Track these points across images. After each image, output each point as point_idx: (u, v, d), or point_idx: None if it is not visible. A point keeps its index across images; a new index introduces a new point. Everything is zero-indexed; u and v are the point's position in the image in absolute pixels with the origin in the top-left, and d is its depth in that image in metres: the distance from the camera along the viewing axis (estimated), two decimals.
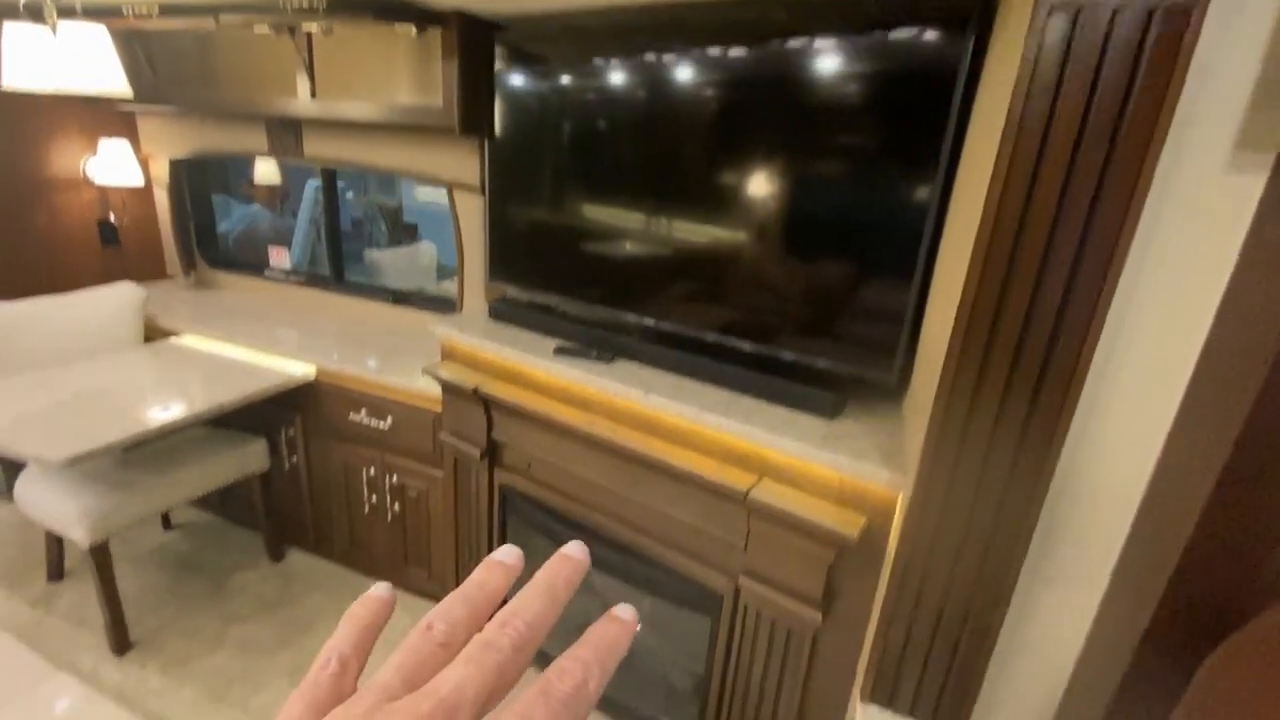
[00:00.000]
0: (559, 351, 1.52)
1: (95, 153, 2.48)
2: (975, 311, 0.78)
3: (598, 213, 1.55)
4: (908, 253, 1.12)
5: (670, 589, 1.44)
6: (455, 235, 2.07)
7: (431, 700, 0.20)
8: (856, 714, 1.02)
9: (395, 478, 2.02)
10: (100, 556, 1.78)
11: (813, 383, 1.26)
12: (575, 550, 0.26)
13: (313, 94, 1.90)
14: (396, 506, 2.05)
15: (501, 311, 1.75)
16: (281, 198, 4.38)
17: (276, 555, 2.31)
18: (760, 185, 1.27)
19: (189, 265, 2.76)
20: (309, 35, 1.88)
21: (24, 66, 1.60)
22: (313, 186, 3.98)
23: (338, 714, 0.21)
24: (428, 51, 1.90)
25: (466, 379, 1.62)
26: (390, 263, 3.60)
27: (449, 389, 1.69)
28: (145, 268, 2.75)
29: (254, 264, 2.74)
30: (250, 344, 2.17)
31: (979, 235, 0.75)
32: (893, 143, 1.12)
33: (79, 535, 1.72)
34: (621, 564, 1.50)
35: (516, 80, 1.64)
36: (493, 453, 1.70)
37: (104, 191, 2.55)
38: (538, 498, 1.64)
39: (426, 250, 3.89)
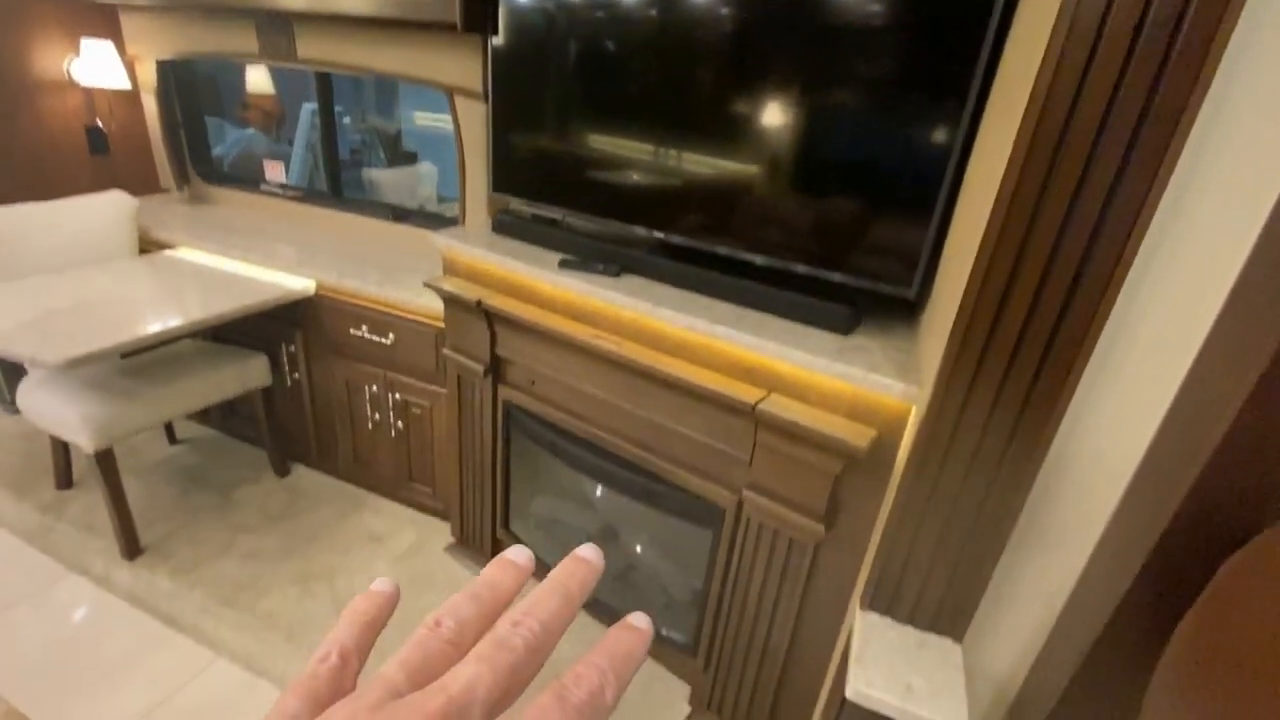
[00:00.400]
0: (564, 264, 1.47)
1: (78, 53, 2.35)
2: (1005, 229, 0.73)
3: (606, 126, 1.46)
4: (934, 170, 1.06)
5: (672, 503, 1.44)
6: (457, 145, 1.98)
7: (440, 698, 0.19)
8: (855, 620, 1.03)
9: (398, 395, 2.01)
10: (106, 463, 1.79)
11: (827, 298, 1.22)
12: (590, 553, 0.25)
13: None
14: (400, 424, 2.05)
15: (505, 224, 1.69)
16: (277, 123, 4.22)
17: (281, 471, 2.33)
18: (781, 97, 1.19)
19: (182, 179, 2.67)
20: None
21: None
22: (309, 110, 3.82)
23: (339, 708, 0.19)
24: None
25: (470, 292, 1.58)
26: (389, 182, 3.49)
27: (451, 302, 1.66)
28: (137, 180, 2.66)
29: (250, 180, 2.65)
30: (248, 258, 2.12)
31: (1013, 154, 0.70)
32: (925, 52, 1.04)
33: (83, 441, 1.72)
34: (624, 479, 1.50)
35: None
36: (496, 369, 1.68)
37: (90, 95, 2.44)
38: (541, 414, 1.63)
39: (427, 171, 3.77)
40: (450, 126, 1.97)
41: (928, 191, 1.08)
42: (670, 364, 1.28)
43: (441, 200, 3.94)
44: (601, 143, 1.48)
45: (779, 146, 1.23)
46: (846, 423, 1.10)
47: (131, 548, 1.89)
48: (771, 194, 1.26)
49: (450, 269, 1.71)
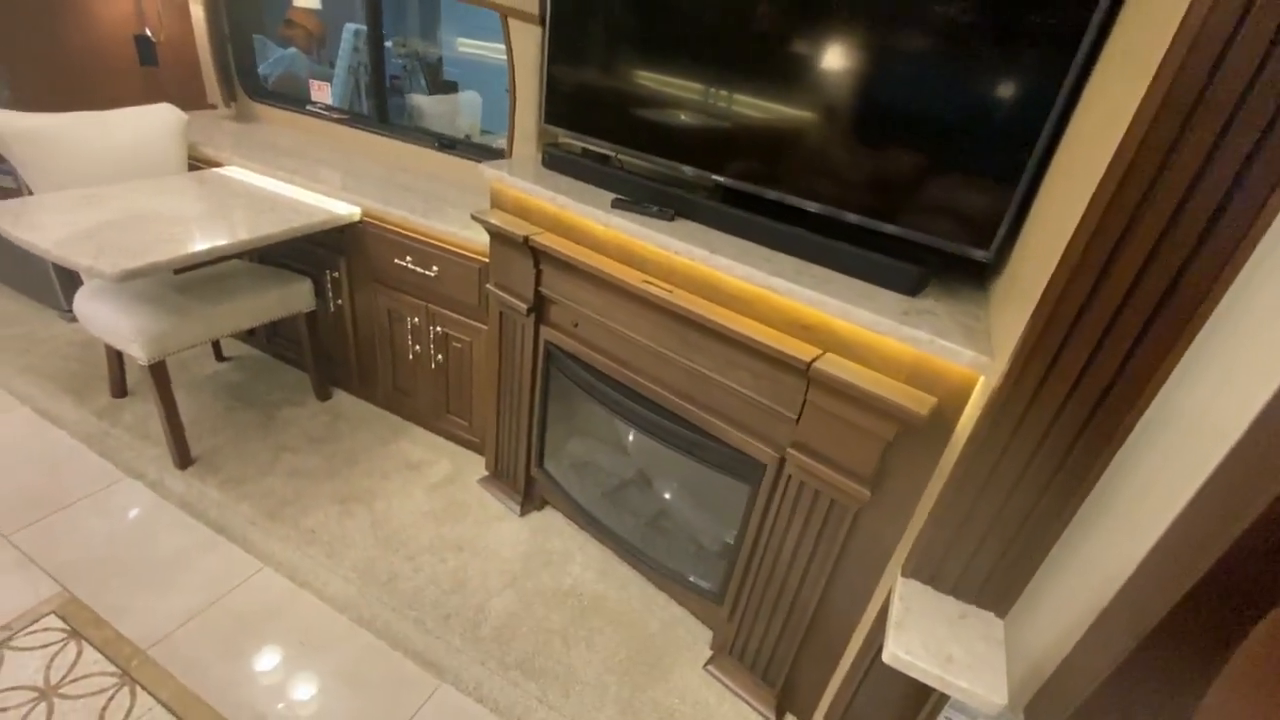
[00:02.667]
0: (616, 204, 1.42)
1: None
2: (1120, 192, 0.67)
3: (669, 59, 1.38)
4: (1030, 124, 0.97)
5: (710, 455, 1.43)
6: (509, 71, 1.90)
7: None
8: (896, 586, 1.02)
9: (439, 328, 2.01)
10: (159, 375, 1.84)
11: (894, 255, 1.15)
12: None
13: None
14: (440, 357, 2.06)
15: (555, 159, 1.63)
16: (319, 43, 4.12)
17: (323, 395, 2.38)
18: (859, 36, 1.10)
19: (229, 95, 2.64)
20: None
21: None
22: (351, 30, 3.71)
23: None
24: None
25: (516, 228, 1.54)
26: (433, 109, 3.41)
27: (497, 237, 1.62)
28: (185, 94, 2.64)
29: (296, 100, 2.60)
30: (294, 180, 2.10)
31: (1139, 114, 0.63)
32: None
33: (137, 352, 1.76)
34: (663, 428, 1.49)
35: None
36: (539, 308, 1.66)
37: (139, 2, 2.39)
38: (582, 356, 1.61)
39: (471, 99, 3.67)
40: (493, 56, 1.90)
41: (1019, 147, 1.00)
42: (722, 315, 1.24)
43: (484, 133, 3.85)
44: (663, 76, 1.40)
45: (853, 90, 1.14)
46: (905, 388, 1.06)
47: (183, 458, 1.97)
48: (841, 141, 1.19)
49: (497, 202, 1.67)
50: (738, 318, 1.24)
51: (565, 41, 1.53)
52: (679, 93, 1.39)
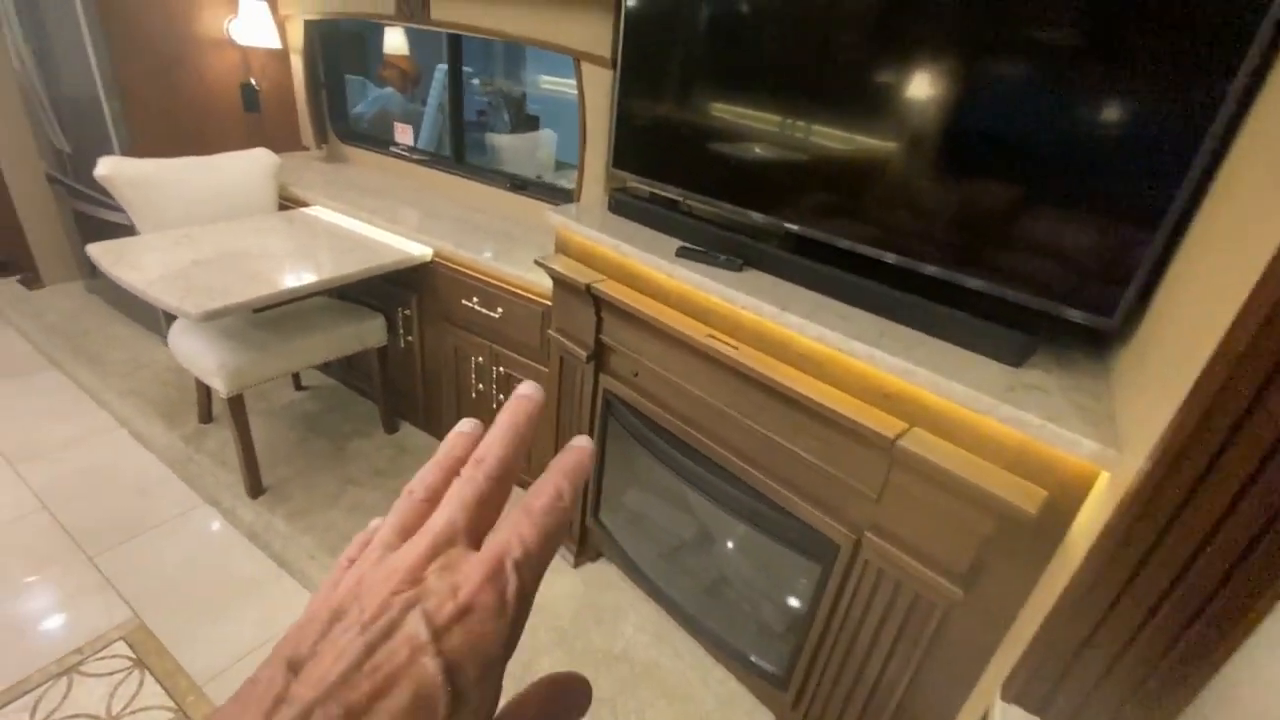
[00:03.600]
0: (682, 253, 1.34)
1: (236, 13, 2.48)
2: None
3: (737, 99, 1.30)
4: (1171, 163, 0.82)
5: (776, 527, 1.31)
6: (580, 114, 1.89)
7: (427, 538, 0.22)
8: (995, 709, 0.86)
9: (502, 369, 1.99)
10: (237, 408, 1.90)
11: (993, 318, 1.01)
12: (530, 389, 0.27)
13: None
14: (501, 397, 2.04)
15: (621, 204, 1.58)
16: (413, 83, 4.36)
17: (390, 427, 2.42)
18: (955, 62, 0.98)
19: (321, 137, 2.79)
20: None
21: None
22: (442, 71, 3.89)
23: (353, 571, 0.22)
24: None
25: (579, 274, 1.50)
26: (510, 147, 3.50)
27: (560, 283, 1.58)
28: (281, 137, 2.81)
29: (380, 141, 2.72)
30: (374, 221, 2.17)
31: None
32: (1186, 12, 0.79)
33: (218, 386, 1.84)
34: (724, 492, 1.38)
35: None
36: (599, 355, 1.60)
37: (245, 53, 2.58)
38: (642, 408, 1.54)
39: (547, 138, 3.74)
40: (572, 92, 1.88)
41: (1158, 186, 0.84)
42: (792, 377, 1.13)
43: (559, 167, 3.91)
44: (731, 118, 1.33)
45: (947, 119, 1.02)
46: (1009, 477, 0.92)
47: (255, 487, 2.03)
48: (932, 181, 1.06)
49: (562, 247, 1.63)
50: (809, 381, 1.12)
51: (635, 84, 1.49)
52: (751, 134, 1.31)
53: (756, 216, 1.32)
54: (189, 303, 1.55)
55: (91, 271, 3.16)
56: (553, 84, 5.76)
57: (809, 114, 1.20)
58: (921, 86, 1.03)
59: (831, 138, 1.18)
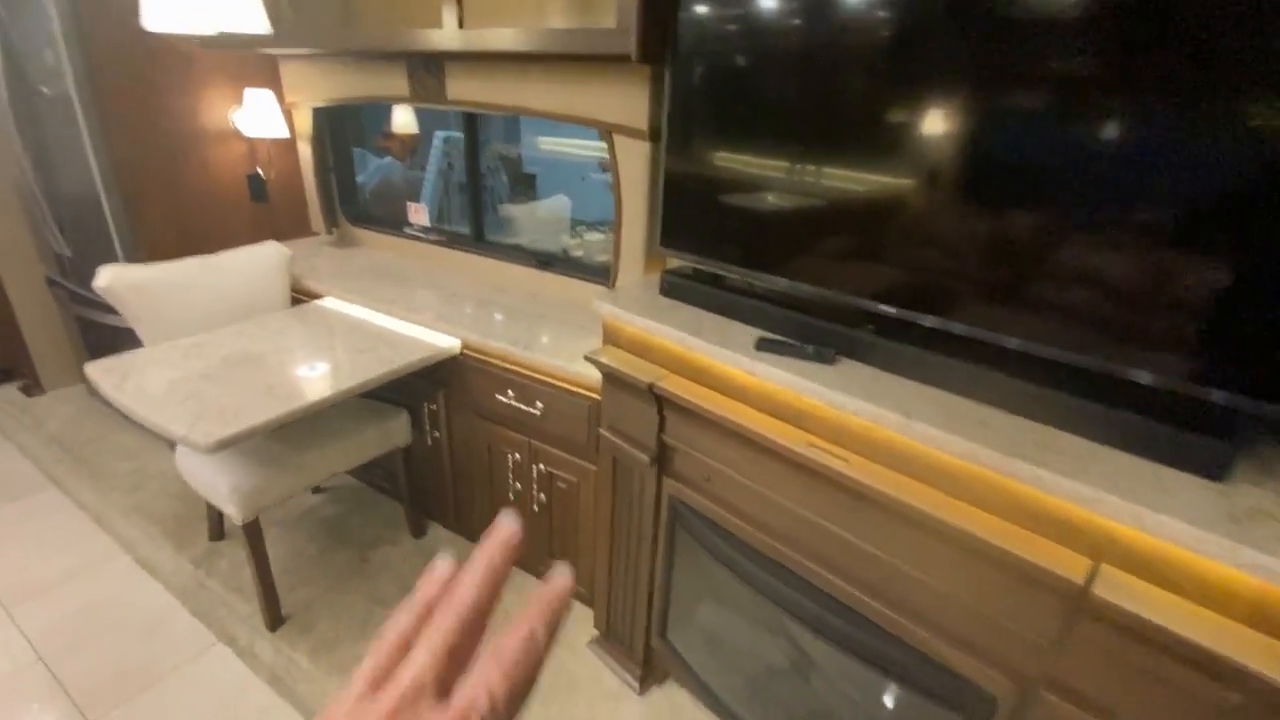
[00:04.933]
0: (764, 346, 1.17)
1: (241, 104, 2.39)
2: None
3: (819, 162, 1.16)
4: None
5: (896, 665, 1.10)
6: (614, 189, 1.75)
7: (395, 692, 0.23)
8: None
9: (543, 466, 1.80)
10: (252, 533, 1.71)
11: (1177, 419, 0.83)
12: (509, 527, 0.28)
13: (460, 23, 1.63)
14: (543, 497, 1.85)
15: (676, 286, 1.42)
16: (412, 150, 4.32)
17: (418, 530, 2.22)
18: (1107, 84, 0.83)
19: (331, 222, 2.68)
20: None
21: (163, 7, 1.44)
22: (440, 138, 3.85)
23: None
24: None
25: (637, 371, 1.33)
26: (524, 217, 3.39)
27: (614, 380, 1.41)
28: (291, 225, 2.70)
29: (391, 219, 2.60)
30: (392, 310, 2.02)
31: None
32: None
33: (231, 512, 1.65)
34: (827, 622, 1.17)
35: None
36: (663, 457, 1.42)
37: (252, 144, 2.48)
38: (718, 519, 1.34)
39: (561, 204, 3.64)
40: (572, 152, 1.76)
41: None
42: (924, 498, 0.95)
43: (575, 226, 3.82)
44: (810, 182, 1.18)
45: (1132, 174, 0.86)
46: (1250, 633, 0.72)
47: (274, 618, 1.82)
48: (1080, 248, 0.90)
49: (612, 338, 1.47)
50: (948, 503, 0.93)
51: (686, 155, 1.35)
52: (840, 203, 1.15)
53: (848, 299, 1.15)
54: (198, 431, 1.37)
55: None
56: (552, 144, 5.76)
57: (908, 172, 1.04)
58: (1090, 129, 0.87)
59: (943, 201, 1.02)
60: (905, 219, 1.05)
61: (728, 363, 1.20)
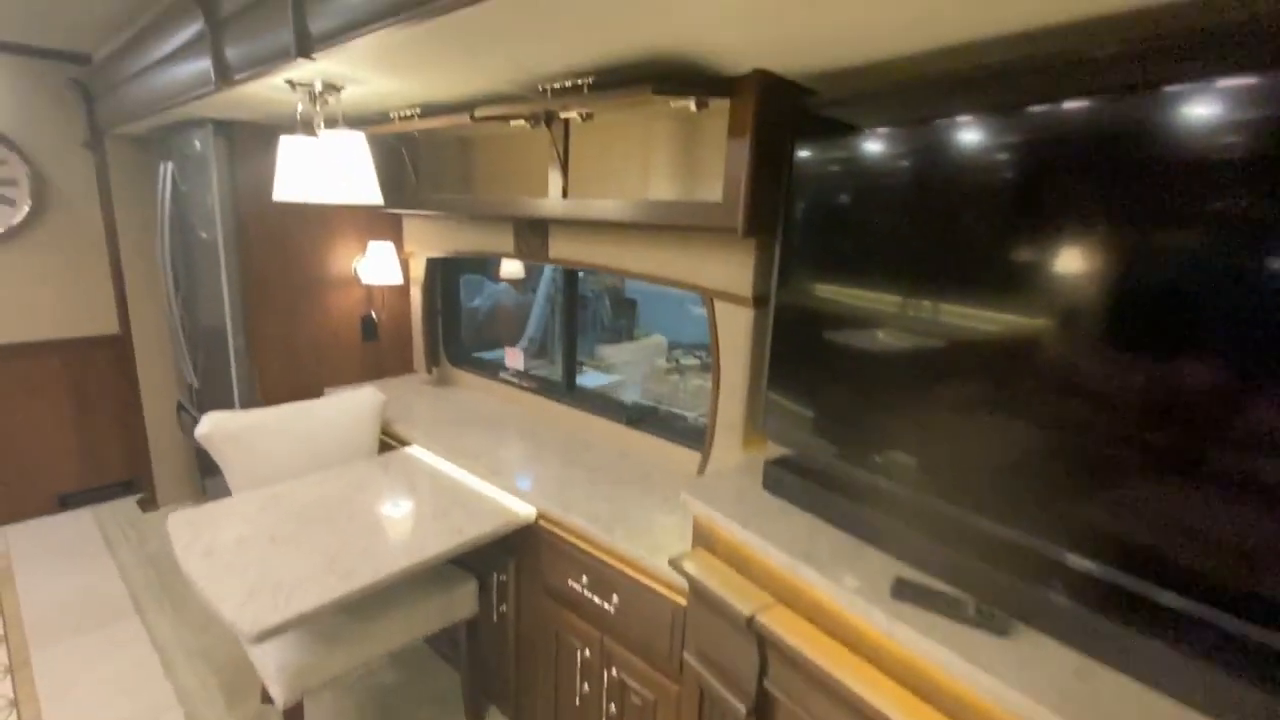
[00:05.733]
0: (902, 592, 0.91)
1: (365, 254, 2.55)
2: None
3: (988, 345, 0.94)
4: None
5: None
6: (712, 356, 1.60)
7: None
8: None
9: (615, 672, 1.53)
10: (294, 718, 1.54)
11: None
12: None
13: (564, 193, 1.62)
14: (613, 708, 1.56)
15: (783, 483, 1.20)
16: (525, 277, 4.55)
17: (475, 713, 1.96)
18: None
19: (432, 361, 2.72)
20: (566, 124, 1.62)
21: (292, 180, 1.53)
22: (550, 267, 4.01)
23: None
24: (700, 135, 1.52)
25: (735, 593, 1.09)
26: (621, 357, 3.34)
27: (707, 600, 1.17)
28: (396, 362, 2.77)
29: (496, 344, 2.60)
30: (473, 468, 1.92)
31: None
32: None
33: (275, 692, 1.50)
34: None
35: (823, 158, 1.14)
36: (763, 706, 1.12)
37: (369, 289, 2.61)
38: None
39: (657, 346, 3.59)
40: (707, 312, 1.62)
41: None
42: None
43: (672, 350, 3.74)
44: (968, 363, 0.95)
45: None
46: None
47: None
48: None
49: (704, 540, 1.24)
50: None
51: (797, 324, 1.18)
52: (1004, 377, 0.92)
53: (1036, 539, 0.88)
54: (246, 615, 1.26)
55: (197, 497, 3.13)
56: None
57: (1120, 352, 0.80)
58: None
59: (1179, 389, 0.76)
60: (1103, 421, 0.80)
61: (853, 610, 0.93)
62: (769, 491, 1.24)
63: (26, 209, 2.81)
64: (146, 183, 2.83)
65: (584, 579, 1.55)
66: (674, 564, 1.20)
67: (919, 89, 1.02)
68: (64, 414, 3.10)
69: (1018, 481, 0.90)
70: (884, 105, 1.06)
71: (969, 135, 0.92)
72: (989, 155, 0.91)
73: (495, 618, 1.87)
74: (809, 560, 1.00)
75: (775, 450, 1.36)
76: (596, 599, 1.52)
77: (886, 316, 1.06)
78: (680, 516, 1.54)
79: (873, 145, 1.07)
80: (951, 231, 0.95)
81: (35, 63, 2.77)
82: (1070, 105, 0.82)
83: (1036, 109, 0.85)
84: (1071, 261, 0.82)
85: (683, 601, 1.32)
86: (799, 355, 1.20)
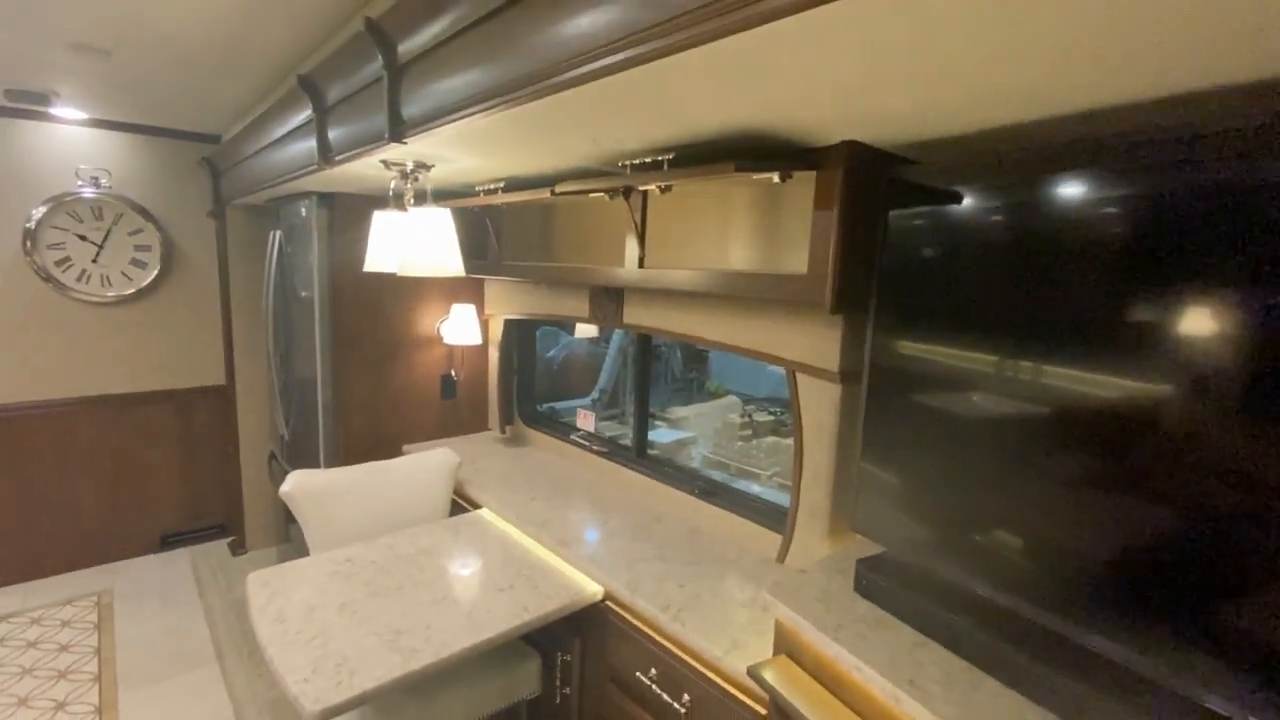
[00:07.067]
0: None
1: (448, 316, 2.62)
2: None
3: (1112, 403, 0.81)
4: None
5: None
6: (795, 433, 1.50)
7: None
8: None
9: None
10: None
11: None
12: None
13: (640, 263, 1.59)
14: None
15: (879, 589, 1.07)
16: (601, 330, 4.61)
17: None
18: None
19: (507, 419, 2.73)
20: (644, 195, 1.61)
21: (382, 253, 1.58)
22: None
23: None
24: (782, 201, 1.46)
25: (823, 717, 0.96)
26: (695, 419, 3.25)
27: (785, 716, 1.04)
28: (472, 419, 2.80)
29: (567, 394, 2.58)
30: (540, 537, 1.87)
31: None
32: None
33: None
34: None
35: (919, 229, 1.05)
36: None
37: (450, 349, 2.68)
38: None
39: (729, 405, 3.48)
40: (789, 386, 1.53)
41: None
42: None
43: (746, 405, 3.62)
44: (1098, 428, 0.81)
45: None
46: None
47: None
48: None
49: (787, 647, 1.12)
50: None
51: (895, 405, 1.07)
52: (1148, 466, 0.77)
53: (1203, 660, 0.72)
54: (309, 692, 1.23)
55: (281, 542, 3.24)
56: None
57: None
58: None
59: None
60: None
61: None
62: (862, 595, 1.11)
63: (155, 271, 3.10)
64: (257, 248, 3.08)
65: (652, 671, 1.45)
66: (753, 674, 1.09)
67: (1022, 154, 0.93)
68: (173, 458, 3.33)
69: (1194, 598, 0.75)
70: (991, 170, 0.97)
71: (1094, 194, 0.82)
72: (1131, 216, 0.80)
73: (558, 699, 1.77)
74: (913, 689, 0.87)
75: (866, 544, 1.23)
76: (665, 695, 1.40)
77: (1002, 386, 0.94)
78: (758, 608, 1.42)
79: (983, 209, 0.98)
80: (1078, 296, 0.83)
81: (174, 143, 3.11)
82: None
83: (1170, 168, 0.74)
84: None
85: (763, 712, 1.19)
86: (901, 440, 1.09)
